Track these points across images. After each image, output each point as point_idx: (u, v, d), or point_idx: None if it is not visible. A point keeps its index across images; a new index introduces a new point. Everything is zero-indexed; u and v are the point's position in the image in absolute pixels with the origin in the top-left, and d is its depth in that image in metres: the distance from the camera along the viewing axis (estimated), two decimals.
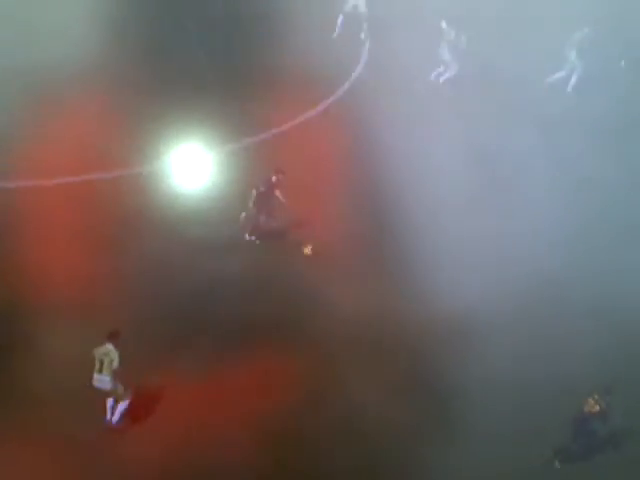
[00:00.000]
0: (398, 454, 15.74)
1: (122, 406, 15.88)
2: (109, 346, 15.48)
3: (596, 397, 15.38)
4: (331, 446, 15.80)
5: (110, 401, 15.89)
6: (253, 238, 19.81)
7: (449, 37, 24.43)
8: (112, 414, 15.90)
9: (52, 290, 18.07)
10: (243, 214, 19.57)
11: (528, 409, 16.43)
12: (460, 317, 17.78)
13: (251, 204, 19.45)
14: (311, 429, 16.04)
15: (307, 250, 19.58)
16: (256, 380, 16.75)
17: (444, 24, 24.42)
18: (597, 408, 15.37)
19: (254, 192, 19.40)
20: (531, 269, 18.99)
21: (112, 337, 15.49)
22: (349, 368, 17.09)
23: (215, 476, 15.33)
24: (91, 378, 15.63)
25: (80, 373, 15.76)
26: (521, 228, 19.96)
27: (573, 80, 24.83)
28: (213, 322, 17.83)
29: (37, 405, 15.99)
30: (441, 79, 24.88)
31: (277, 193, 19.48)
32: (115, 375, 15.53)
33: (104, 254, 19.02)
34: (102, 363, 15.50)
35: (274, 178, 19.46)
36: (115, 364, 15.42)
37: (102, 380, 15.59)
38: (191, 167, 20.87)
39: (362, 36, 26.58)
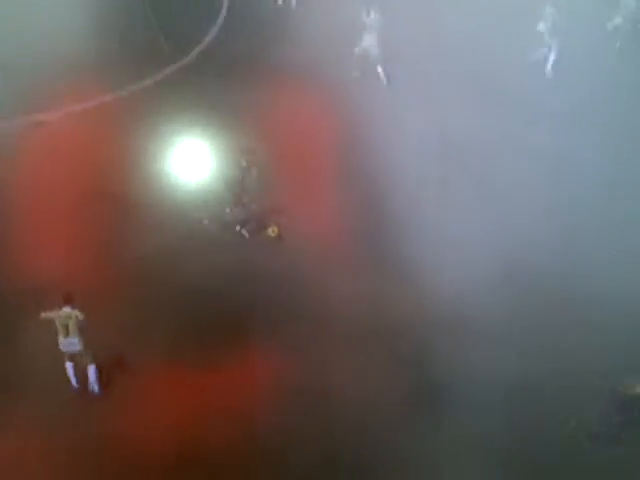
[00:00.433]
0: (393, 447, 15.17)
1: (92, 371, 15.66)
2: (67, 309, 15.29)
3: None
4: (325, 439, 15.24)
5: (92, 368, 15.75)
6: (243, 230, 19.05)
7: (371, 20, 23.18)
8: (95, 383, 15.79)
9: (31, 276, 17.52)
10: (227, 209, 19.04)
11: (528, 398, 15.90)
12: (452, 306, 17.27)
13: (233, 191, 18.81)
14: (302, 422, 15.44)
15: (272, 231, 18.88)
16: (247, 372, 16.18)
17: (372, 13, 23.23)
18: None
19: (233, 178, 18.77)
20: (521, 257, 18.23)
21: (68, 300, 15.31)
22: (343, 360, 16.48)
23: (199, 467, 14.89)
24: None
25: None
26: (505, 214, 19.21)
27: (550, 61, 24.12)
28: (202, 313, 17.21)
29: (25, 394, 15.66)
30: (380, 70, 23.48)
31: (250, 176, 18.73)
32: (82, 334, 15.39)
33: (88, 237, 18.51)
34: (67, 327, 15.33)
35: (244, 161, 18.76)
36: (80, 317, 15.25)
37: (71, 343, 15.43)
38: None
39: None
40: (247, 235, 18.94)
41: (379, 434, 15.31)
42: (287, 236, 18.91)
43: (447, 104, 22.11)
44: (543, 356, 16.50)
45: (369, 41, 23.16)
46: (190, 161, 19.78)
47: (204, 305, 17.29)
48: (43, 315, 15.35)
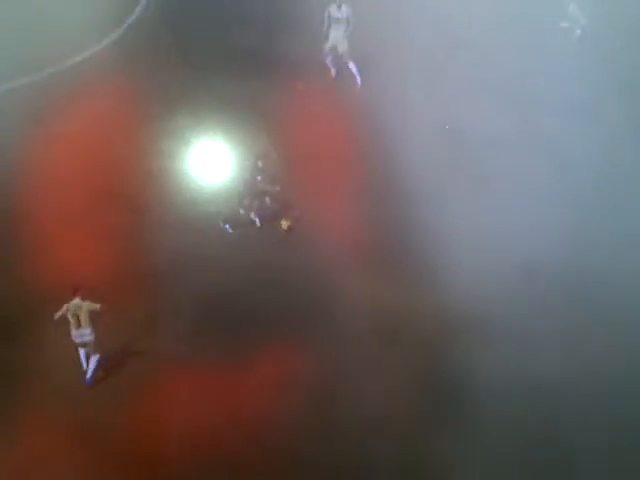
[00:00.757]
0: (409, 449, 15.20)
1: (95, 359, 15.91)
2: (78, 300, 15.54)
3: None
4: (343, 439, 15.29)
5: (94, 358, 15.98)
6: (256, 218, 19.00)
7: (338, 15, 22.01)
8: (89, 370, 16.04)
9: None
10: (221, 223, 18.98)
11: (539, 403, 15.84)
12: (467, 305, 17.08)
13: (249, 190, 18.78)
14: (319, 423, 15.49)
15: (285, 224, 18.82)
16: (266, 372, 16.15)
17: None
18: None
19: (251, 180, 18.75)
20: (537, 258, 18.04)
21: (77, 291, 15.57)
22: (360, 360, 16.48)
23: (218, 466, 14.94)
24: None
25: None
26: (521, 213, 18.88)
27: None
28: (220, 311, 17.23)
29: (48, 393, 15.82)
30: (350, 66, 22.31)
31: (263, 179, 18.73)
32: (93, 325, 15.62)
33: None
34: (78, 317, 15.55)
35: (260, 163, 18.69)
36: (92, 307, 15.53)
37: (84, 334, 15.65)
38: None
39: None
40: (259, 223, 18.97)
41: (394, 434, 15.34)
42: (301, 235, 18.80)
43: (460, 103, 21.61)
44: (559, 356, 16.40)
45: (338, 35, 22.00)
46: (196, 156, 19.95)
47: (219, 304, 17.27)
48: (56, 316, 15.56)
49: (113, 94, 21.07)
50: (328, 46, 22.09)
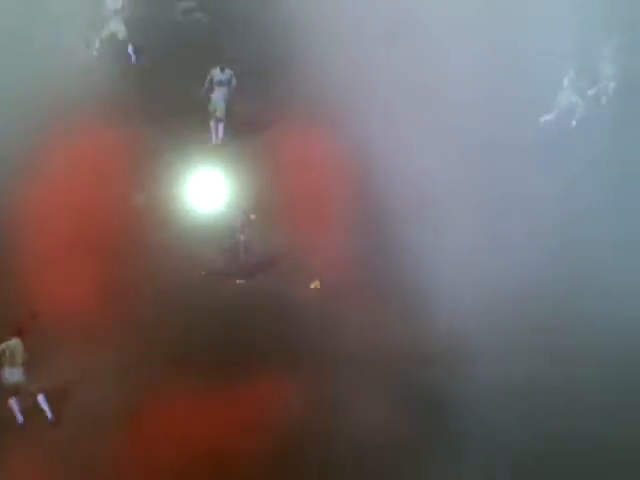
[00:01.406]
0: (400, 474, 15.37)
1: (42, 399, 15.85)
2: (16, 340, 15.69)
3: None
4: (334, 466, 15.34)
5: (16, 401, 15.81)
6: (242, 281, 19.06)
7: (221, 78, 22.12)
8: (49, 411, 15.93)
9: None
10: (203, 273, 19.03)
11: (535, 425, 15.87)
12: (463, 339, 17.15)
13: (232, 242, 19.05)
14: (309, 450, 15.55)
15: (315, 285, 18.91)
16: (254, 402, 16.26)
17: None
18: None
19: (236, 234, 19.03)
20: (531, 294, 18.11)
21: (18, 332, 15.76)
22: (352, 388, 16.57)
23: None
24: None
25: None
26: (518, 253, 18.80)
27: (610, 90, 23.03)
28: (206, 351, 17.21)
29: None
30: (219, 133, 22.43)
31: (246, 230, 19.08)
32: (26, 368, 15.71)
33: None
34: (14, 357, 15.69)
35: (252, 216, 19.11)
36: (25, 357, 15.68)
37: (13, 372, 15.68)
38: None
39: None
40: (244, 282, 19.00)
41: (388, 461, 15.44)
42: (293, 273, 19.02)
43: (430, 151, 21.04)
44: (554, 381, 16.56)
45: (219, 97, 22.07)
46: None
47: (205, 345, 17.31)
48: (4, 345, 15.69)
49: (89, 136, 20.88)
50: (212, 108, 22.09)
